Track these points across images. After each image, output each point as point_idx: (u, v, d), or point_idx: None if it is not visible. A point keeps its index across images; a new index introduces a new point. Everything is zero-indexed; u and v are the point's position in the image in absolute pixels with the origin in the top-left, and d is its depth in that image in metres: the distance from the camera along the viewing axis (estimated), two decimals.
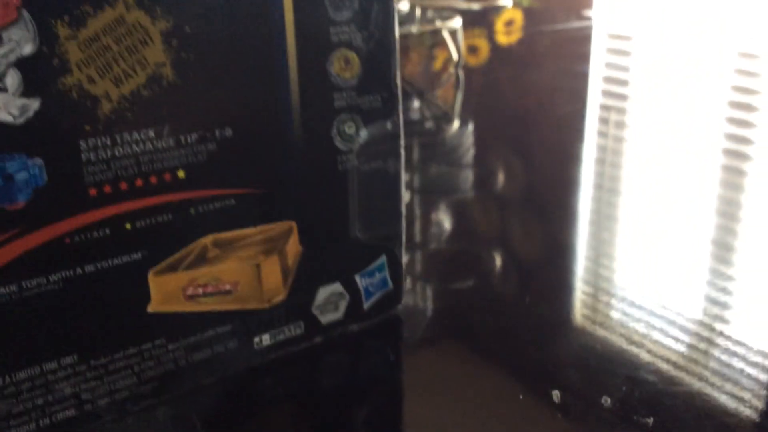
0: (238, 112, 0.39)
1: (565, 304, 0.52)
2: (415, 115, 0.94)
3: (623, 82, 1.07)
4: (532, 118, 0.93)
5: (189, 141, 0.38)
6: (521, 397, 0.42)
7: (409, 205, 0.68)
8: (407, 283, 0.55)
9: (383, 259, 0.48)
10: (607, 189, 0.72)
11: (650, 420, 0.39)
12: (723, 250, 0.59)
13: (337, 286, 0.46)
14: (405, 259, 0.50)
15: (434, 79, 1.11)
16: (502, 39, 1.35)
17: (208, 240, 0.41)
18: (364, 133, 0.44)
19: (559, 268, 0.57)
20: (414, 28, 0.99)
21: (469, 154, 0.81)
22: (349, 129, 0.43)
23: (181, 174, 0.38)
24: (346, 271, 0.47)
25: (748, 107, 0.93)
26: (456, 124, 0.90)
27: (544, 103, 0.99)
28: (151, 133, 0.37)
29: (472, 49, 1.26)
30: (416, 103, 0.99)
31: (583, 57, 1.19)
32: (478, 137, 0.86)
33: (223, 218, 0.41)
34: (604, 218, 0.65)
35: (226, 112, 0.39)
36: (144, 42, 0.36)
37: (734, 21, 1.38)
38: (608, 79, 1.08)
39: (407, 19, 1.00)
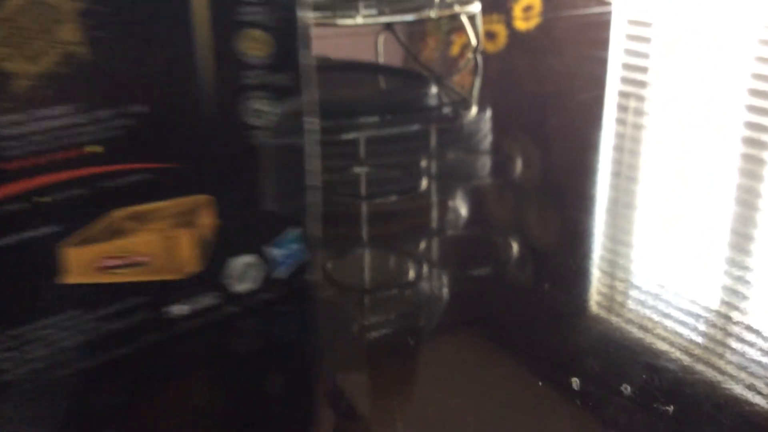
0: (152, 88, 0.41)
1: (583, 292, 0.52)
2: (432, 101, 0.94)
3: (643, 69, 1.06)
4: (550, 104, 0.93)
5: (105, 117, 0.39)
6: (540, 384, 0.42)
7: (426, 192, 0.68)
8: (424, 269, 0.55)
9: (296, 231, 0.50)
10: (625, 176, 0.72)
11: (670, 408, 0.39)
12: (741, 239, 0.59)
13: (250, 257, 0.48)
14: (321, 231, 0.51)
15: (452, 65, 1.11)
16: (521, 25, 1.34)
17: (123, 213, 0.42)
18: (275, 110, 0.45)
19: (577, 255, 0.57)
20: (432, 13, 0.99)
21: (486, 140, 0.81)
22: (261, 106, 0.45)
23: (97, 149, 0.40)
24: (259, 242, 0.48)
25: None
26: (474, 110, 0.90)
27: (562, 89, 0.98)
28: (67, 109, 0.38)
29: (490, 35, 1.26)
30: (434, 89, 0.98)
31: (602, 43, 1.18)
32: (495, 123, 0.86)
33: (139, 192, 0.42)
34: (621, 206, 0.65)
35: (141, 88, 0.40)
36: (58, 21, 0.37)
37: (756, 7, 1.36)
38: (627, 66, 1.08)
39: (426, 3, 1.00)
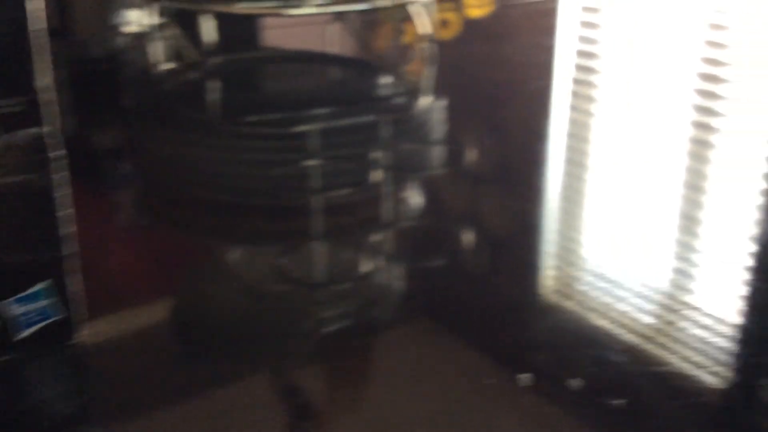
0: None
1: (535, 282, 0.52)
2: (385, 91, 0.93)
3: (592, 56, 1.07)
4: (503, 92, 0.93)
5: None
6: (492, 378, 0.42)
7: (381, 183, 0.68)
8: (378, 262, 0.55)
9: (45, 285, 0.44)
10: (576, 163, 0.72)
11: (620, 401, 0.40)
12: (688, 221, 0.60)
13: None
14: (82, 285, 0.46)
15: (404, 54, 1.10)
16: (473, 12, 1.34)
17: None
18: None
19: (529, 243, 0.57)
20: (385, 2, 0.98)
21: (439, 130, 0.81)
22: None
23: None
24: None
25: (715, 79, 0.93)
26: (426, 99, 0.90)
27: (514, 77, 0.98)
28: None
29: (443, 23, 1.26)
30: (386, 79, 0.98)
31: (553, 30, 1.19)
32: (448, 112, 0.85)
33: None
34: (573, 192, 0.66)
35: None
36: None
37: None
38: (577, 53, 1.08)
39: None
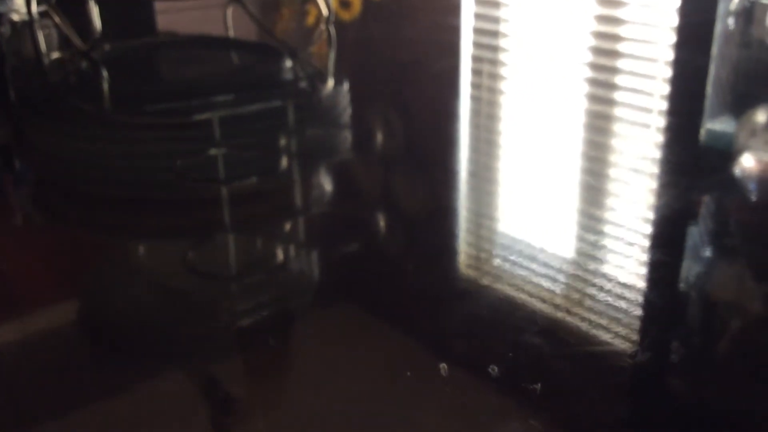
0: None
1: (452, 262, 0.52)
2: (288, 76, 0.91)
3: (496, 34, 1.07)
4: (408, 73, 0.92)
5: None
6: (408, 373, 0.41)
7: (289, 170, 0.66)
8: (290, 251, 0.53)
9: None
10: (484, 140, 0.73)
11: (537, 386, 0.39)
12: (595, 194, 0.61)
13: None
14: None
15: (308, 37, 1.08)
16: None
17: None
18: None
19: (444, 224, 0.56)
20: None
21: (346, 113, 0.79)
22: None
23: None
24: None
25: (613, 54, 0.95)
26: (331, 83, 0.88)
27: (419, 57, 0.98)
28: None
29: (345, 4, 1.24)
30: (289, 63, 0.95)
31: (456, 9, 1.19)
32: (354, 96, 0.84)
33: None
34: (483, 169, 0.66)
35: None
36: None
37: None
38: (481, 31, 1.09)
39: None
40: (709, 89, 0.82)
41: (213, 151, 0.67)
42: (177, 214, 0.59)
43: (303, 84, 0.87)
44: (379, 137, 0.74)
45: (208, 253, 0.54)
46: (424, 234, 0.56)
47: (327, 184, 0.65)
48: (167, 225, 0.58)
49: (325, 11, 1.03)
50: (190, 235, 0.56)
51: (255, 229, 0.57)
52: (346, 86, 0.85)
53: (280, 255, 0.54)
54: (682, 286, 0.49)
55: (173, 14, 1.06)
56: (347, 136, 0.74)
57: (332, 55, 0.97)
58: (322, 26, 1.04)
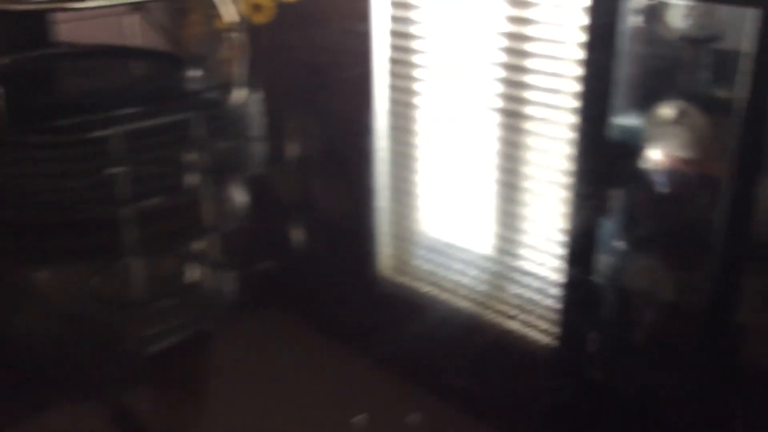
0: None
1: (375, 265, 0.51)
2: (195, 86, 0.88)
3: (409, 36, 1.07)
4: (323, 76, 0.91)
5: None
6: (332, 378, 0.40)
7: (198, 186, 0.64)
8: (203, 271, 0.51)
9: None
10: (401, 142, 0.72)
11: (456, 383, 0.39)
12: (510, 190, 0.61)
13: None
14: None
15: (214, 45, 1.05)
16: None
17: None
18: None
19: (364, 228, 0.55)
20: None
21: (258, 122, 0.77)
22: None
23: None
24: None
25: (524, 54, 0.96)
26: (241, 92, 0.86)
27: (333, 60, 0.97)
28: None
29: (257, 8, 1.21)
30: (196, 72, 0.92)
31: (369, 12, 1.18)
32: (268, 103, 0.82)
33: None
34: (401, 170, 0.65)
35: None
36: None
37: None
38: (395, 34, 1.08)
39: None
40: (617, 86, 0.84)
41: (115, 170, 0.64)
42: (78, 237, 0.57)
43: (211, 94, 0.85)
44: (296, 144, 0.73)
45: (112, 278, 0.51)
46: (344, 241, 0.55)
47: (242, 195, 0.63)
48: (68, 249, 0.55)
49: (230, 17, 1.01)
50: (94, 259, 0.53)
51: (162, 249, 0.55)
52: (258, 94, 0.83)
53: (192, 274, 0.52)
54: (597, 278, 0.49)
55: (73, 23, 1.01)
56: (260, 145, 0.72)
57: (241, 63, 0.94)
58: (230, 33, 1.01)
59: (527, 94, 0.84)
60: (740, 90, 0.77)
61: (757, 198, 0.61)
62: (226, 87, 0.87)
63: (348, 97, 0.85)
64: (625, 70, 0.88)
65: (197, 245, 0.56)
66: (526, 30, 1.06)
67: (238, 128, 0.76)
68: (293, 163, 0.69)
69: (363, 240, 0.55)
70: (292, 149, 0.72)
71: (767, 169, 0.66)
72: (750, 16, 0.90)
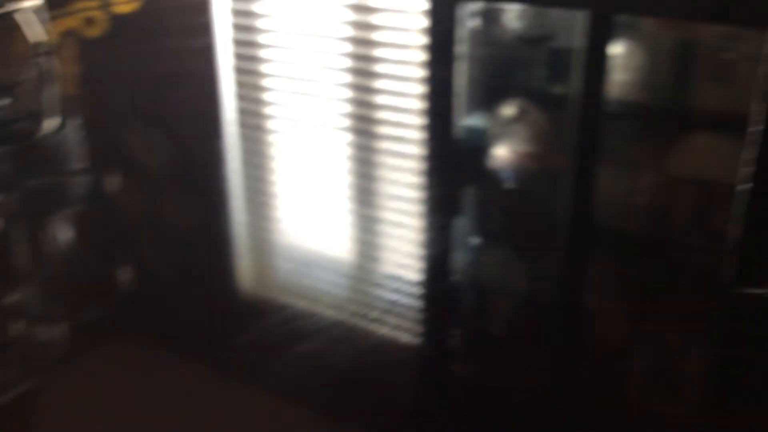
0: None
1: (233, 277, 0.49)
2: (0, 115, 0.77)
3: (254, 44, 1.05)
4: (165, 91, 0.87)
5: None
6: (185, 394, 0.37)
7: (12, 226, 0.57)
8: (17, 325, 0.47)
9: None
10: (253, 152, 0.70)
11: (320, 395, 0.38)
12: (367, 195, 0.61)
13: None
14: None
15: (19, 70, 0.94)
16: (121, 9, 1.25)
17: None
18: None
19: (221, 240, 0.53)
20: None
21: (79, 152, 0.71)
22: None
23: None
24: None
25: (369, 58, 0.97)
26: (54, 120, 0.77)
27: (175, 73, 0.93)
28: None
29: (88, 21, 1.15)
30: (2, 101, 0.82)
31: (210, 21, 1.15)
32: (101, 123, 0.77)
33: None
34: (253, 182, 0.63)
35: None
36: None
37: None
38: (239, 42, 1.06)
39: None
40: (461, 88, 0.86)
41: None
42: None
43: (21, 125, 0.76)
44: (141, 157, 0.69)
45: None
46: (199, 255, 0.52)
47: (59, 238, 0.57)
48: None
49: (36, 39, 0.91)
50: None
51: None
52: (81, 118, 0.76)
53: (17, 325, 0.47)
54: (455, 275, 0.50)
55: None
56: (86, 180, 0.66)
57: (51, 90, 0.85)
58: (36, 57, 0.91)
59: (375, 99, 0.84)
60: (574, 85, 0.81)
61: (595, 186, 0.64)
62: (36, 116, 0.78)
63: (194, 104, 0.82)
64: (467, 72, 0.90)
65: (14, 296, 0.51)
66: (370, 35, 1.06)
67: (56, 162, 0.69)
68: (131, 186, 0.66)
69: (217, 256, 0.52)
70: (142, 160, 0.68)
71: (603, 159, 0.70)
72: (579, 16, 0.95)
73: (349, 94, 0.87)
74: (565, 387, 0.39)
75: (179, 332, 0.44)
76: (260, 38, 1.07)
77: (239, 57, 0.99)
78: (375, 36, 1.05)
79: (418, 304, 0.46)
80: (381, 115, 0.79)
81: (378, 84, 0.88)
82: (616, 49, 0.86)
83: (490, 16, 1.06)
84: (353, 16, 1.15)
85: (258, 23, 1.15)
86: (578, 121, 0.75)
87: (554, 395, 0.38)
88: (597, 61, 0.84)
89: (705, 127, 0.72)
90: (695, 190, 0.60)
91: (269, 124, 0.78)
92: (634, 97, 0.83)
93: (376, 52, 0.99)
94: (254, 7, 1.22)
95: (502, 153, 0.70)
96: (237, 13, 1.21)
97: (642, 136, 0.74)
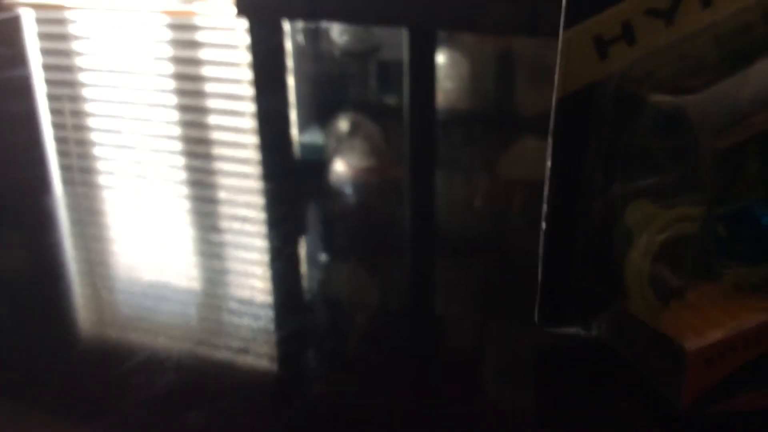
0: None
1: (71, 320, 0.45)
2: None
3: (70, 69, 0.99)
4: None
5: None
6: None
7: None
8: None
9: None
10: (80, 183, 0.66)
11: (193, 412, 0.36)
12: (204, 218, 0.59)
13: None
14: None
15: None
16: None
17: None
18: None
19: (54, 280, 0.49)
20: None
21: None
22: None
23: None
24: None
25: (197, 78, 0.94)
26: None
27: None
28: None
29: None
30: None
31: (20, 50, 1.07)
32: None
33: None
34: (85, 213, 0.60)
35: None
36: None
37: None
38: (54, 68, 1.00)
39: None
40: (294, 106, 0.86)
41: None
42: None
43: None
44: None
45: None
46: (32, 303, 0.48)
47: None
48: None
49: None
50: None
51: None
52: None
53: None
54: (308, 293, 0.49)
55: None
56: None
57: None
58: None
59: (206, 120, 0.82)
60: (404, 97, 0.83)
61: (433, 193, 0.66)
62: None
63: (10, 139, 0.76)
64: (297, 89, 0.90)
65: None
66: (195, 53, 1.04)
67: None
68: None
69: (56, 303, 0.48)
70: None
71: (438, 166, 0.72)
72: (402, 30, 0.98)
73: (179, 116, 0.84)
74: (422, 397, 0.40)
75: (21, 391, 0.40)
76: (78, 61, 1.02)
77: (56, 83, 0.94)
78: (201, 54, 1.03)
79: (269, 325, 0.45)
80: (214, 135, 0.78)
81: (208, 104, 0.86)
82: (441, 59, 0.90)
83: (315, 33, 1.07)
84: (174, 35, 1.12)
85: (74, 46, 1.09)
86: (411, 131, 0.77)
87: (412, 406, 0.39)
88: (423, 72, 0.87)
89: (529, 130, 0.77)
90: (525, 191, 0.64)
91: (96, 152, 0.74)
92: (462, 105, 0.86)
93: (203, 71, 0.97)
94: (70, 45, 1.16)
95: (340, 167, 0.71)
96: (48, 36, 1.14)
97: (472, 141, 0.77)
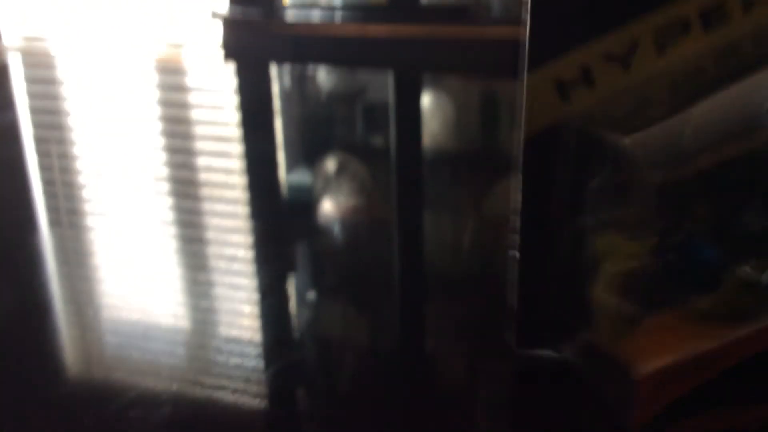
0: None
1: (59, 366, 0.45)
2: None
3: (56, 112, 1.00)
4: None
5: None
6: None
7: None
8: None
9: None
10: (68, 225, 0.66)
11: None
12: (192, 257, 0.59)
13: None
14: None
15: None
16: None
17: None
18: None
19: (40, 325, 0.49)
20: None
21: None
22: None
23: None
24: None
25: (185, 121, 0.95)
26: None
27: None
28: None
29: None
30: None
31: (6, 93, 1.08)
32: None
33: None
34: (73, 254, 0.59)
35: None
36: None
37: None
38: (40, 110, 1.00)
39: None
40: (282, 147, 0.87)
41: None
42: None
43: None
44: None
45: None
46: (18, 344, 0.48)
47: None
48: None
49: None
50: None
51: None
52: None
53: None
54: (296, 331, 0.49)
55: None
56: None
57: None
58: None
59: (195, 161, 0.82)
60: (391, 137, 0.84)
61: (420, 232, 0.67)
62: None
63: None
64: (285, 130, 0.91)
65: None
66: (183, 97, 1.05)
67: None
68: None
69: (40, 344, 0.48)
70: None
71: (425, 205, 0.73)
72: (387, 72, 1.00)
73: (167, 157, 0.85)
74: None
75: None
76: (64, 104, 1.03)
77: (43, 126, 0.94)
78: (188, 97, 1.04)
79: (258, 363, 0.45)
80: (203, 176, 0.78)
81: (197, 146, 0.87)
82: (426, 101, 0.91)
83: (302, 76, 1.08)
84: (161, 78, 1.13)
85: (61, 89, 1.09)
86: (398, 171, 0.78)
87: None
88: (409, 114, 0.89)
89: (513, 169, 0.78)
90: (511, 229, 0.64)
91: (84, 194, 0.74)
92: (448, 146, 0.88)
93: (192, 114, 0.97)
94: (58, 89, 1.16)
95: (328, 207, 0.71)
96: (34, 80, 1.15)
97: (458, 181, 0.78)
